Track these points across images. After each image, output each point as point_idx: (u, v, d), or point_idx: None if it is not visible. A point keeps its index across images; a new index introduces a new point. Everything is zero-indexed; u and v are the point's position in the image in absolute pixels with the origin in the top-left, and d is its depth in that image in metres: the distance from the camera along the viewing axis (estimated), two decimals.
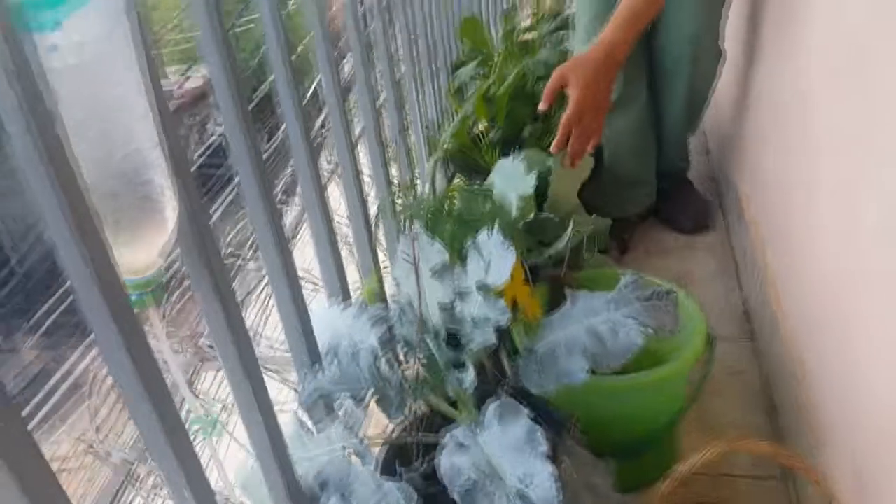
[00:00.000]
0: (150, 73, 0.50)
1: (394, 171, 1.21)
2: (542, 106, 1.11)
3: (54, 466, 0.42)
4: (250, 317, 1.31)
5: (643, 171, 1.47)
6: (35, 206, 0.42)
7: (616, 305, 0.74)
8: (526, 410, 0.64)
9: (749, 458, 0.98)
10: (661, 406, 0.91)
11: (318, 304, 0.90)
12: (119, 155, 0.44)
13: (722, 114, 1.68)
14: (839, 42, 0.88)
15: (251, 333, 1.05)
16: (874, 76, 0.75)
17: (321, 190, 0.87)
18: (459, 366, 0.74)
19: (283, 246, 0.75)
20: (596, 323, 0.74)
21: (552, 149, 1.13)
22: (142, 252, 0.48)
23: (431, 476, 0.67)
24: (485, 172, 1.24)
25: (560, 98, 1.16)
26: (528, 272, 0.98)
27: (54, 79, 0.43)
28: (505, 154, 1.20)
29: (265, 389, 0.69)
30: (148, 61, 0.50)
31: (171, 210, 0.50)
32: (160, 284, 0.55)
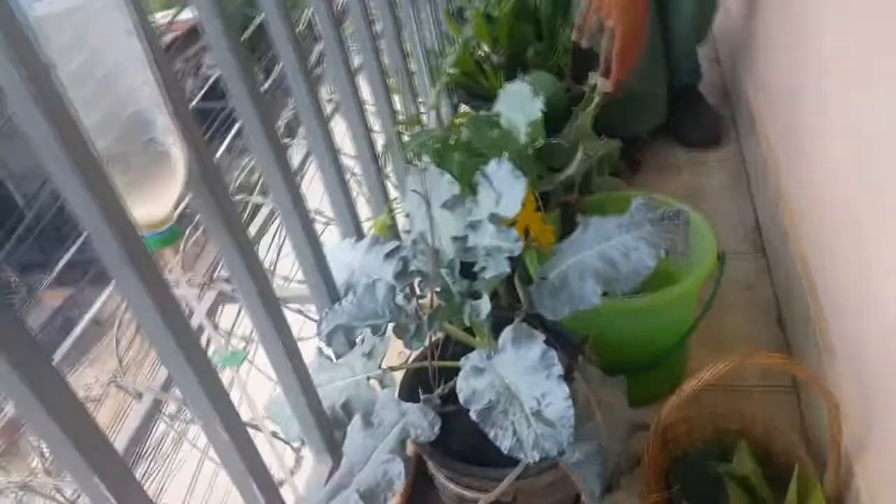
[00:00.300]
0: (141, 16, 0.49)
1: (397, 103, 1.19)
2: (575, 37, 1.09)
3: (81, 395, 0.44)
4: (269, 252, 1.33)
5: (653, 87, 1.43)
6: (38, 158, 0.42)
7: (627, 229, 0.75)
8: (540, 334, 0.66)
9: (758, 369, 1.00)
10: (672, 325, 0.93)
11: (331, 240, 0.91)
12: (121, 113, 0.43)
13: (733, 21, 1.62)
14: None
15: (268, 268, 1.07)
16: None
17: (325, 126, 0.86)
18: (474, 295, 0.75)
19: (291, 186, 0.75)
20: (608, 247, 0.74)
21: (601, 80, 1.11)
22: (159, 207, 0.49)
23: (449, 398, 0.70)
24: (490, 98, 1.22)
25: (565, 17, 1.13)
26: (540, 199, 0.98)
27: (47, 28, 0.42)
28: (510, 77, 1.17)
29: (286, 323, 0.71)
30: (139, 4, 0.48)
31: (180, 161, 0.50)
32: (174, 227, 0.55)
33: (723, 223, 1.28)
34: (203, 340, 0.72)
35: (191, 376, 0.53)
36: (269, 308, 0.66)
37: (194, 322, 0.64)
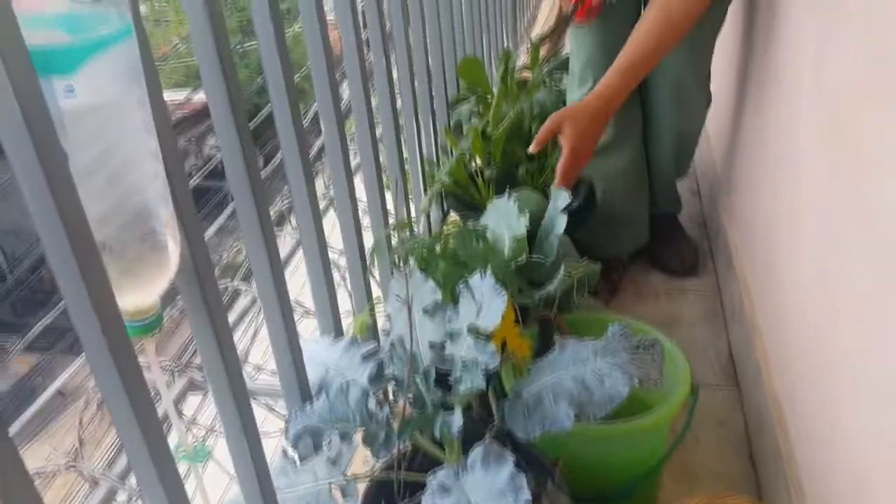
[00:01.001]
0: (157, 109, 0.52)
1: (389, 203, 1.23)
2: (532, 149, 1.16)
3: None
4: (243, 337, 1.32)
5: (636, 212, 1.49)
6: (37, 235, 0.43)
7: (603, 354, 0.76)
8: (511, 456, 0.65)
9: None
10: (643, 453, 0.92)
11: (309, 336, 0.91)
12: (127, 203, 0.45)
13: (713, 156, 1.72)
14: (824, 96, 0.91)
15: (241, 355, 1.05)
16: (857, 133, 0.78)
17: (319, 221, 0.88)
18: (448, 407, 0.75)
19: (278, 277, 0.76)
20: (583, 371, 0.75)
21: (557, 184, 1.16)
22: (147, 296, 0.50)
23: None
24: (479, 209, 1.26)
25: (555, 141, 1.20)
26: (519, 313, 0.99)
27: (68, 120, 0.45)
28: (500, 192, 1.22)
29: (253, 420, 0.69)
30: (155, 95, 0.51)
31: (176, 252, 0.51)
32: (157, 316, 0.55)
33: (697, 353, 1.30)
34: (167, 429, 0.70)
35: (152, 473, 0.51)
36: (240, 406, 0.65)
37: (161, 410, 0.63)
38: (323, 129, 0.94)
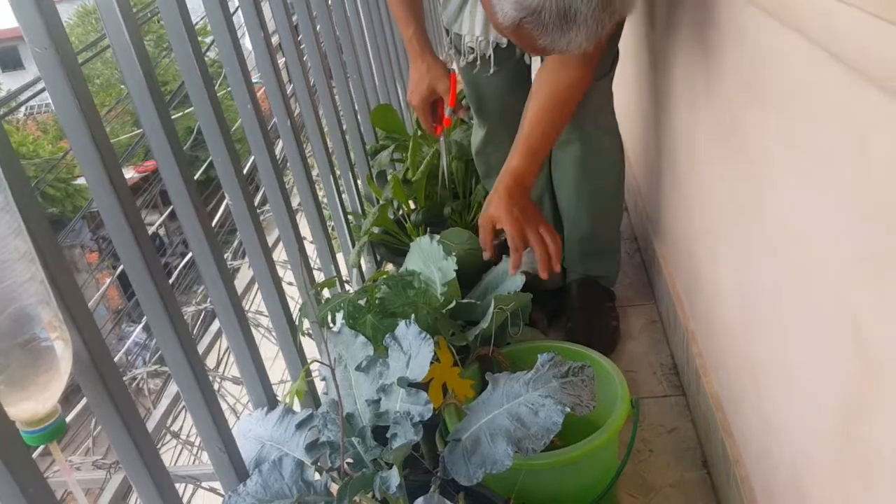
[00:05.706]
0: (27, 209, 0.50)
1: (317, 262, 1.22)
2: (486, 255, 1.08)
3: None
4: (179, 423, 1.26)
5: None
6: None
7: (534, 385, 0.76)
8: None
9: None
10: (595, 475, 0.92)
11: (243, 414, 0.88)
12: None
13: (634, 172, 1.78)
14: (718, 113, 0.95)
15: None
16: (748, 141, 0.82)
17: (234, 292, 0.85)
18: (389, 464, 0.73)
19: (193, 357, 0.74)
20: (516, 405, 0.75)
21: (511, 272, 1.08)
22: (41, 404, 0.47)
23: None
24: None
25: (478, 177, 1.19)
26: (457, 354, 0.99)
27: None
28: (432, 234, 1.21)
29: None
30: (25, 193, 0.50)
31: (64, 355, 0.49)
32: (58, 421, 0.53)
33: (642, 365, 1.32)
34: None
35: None
36: (164, 497, 0.62)
37: None
38: (227, 196, 0.92)
